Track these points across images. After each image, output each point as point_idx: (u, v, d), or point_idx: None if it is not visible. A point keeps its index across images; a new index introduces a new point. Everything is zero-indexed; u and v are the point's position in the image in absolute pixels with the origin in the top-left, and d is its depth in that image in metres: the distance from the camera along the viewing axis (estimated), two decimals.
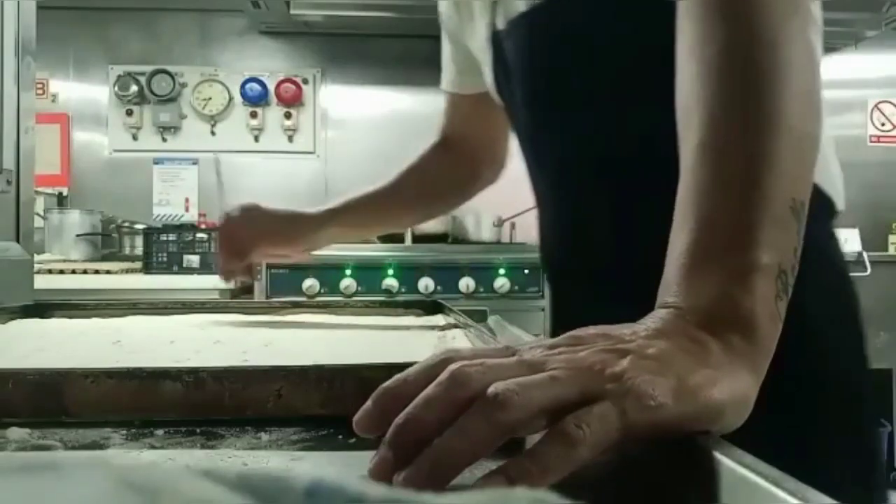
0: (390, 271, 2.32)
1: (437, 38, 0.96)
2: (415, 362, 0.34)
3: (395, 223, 1.05)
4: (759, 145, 0.41)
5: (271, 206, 0.92)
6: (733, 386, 0.34)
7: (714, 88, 0.44)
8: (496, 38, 0.74)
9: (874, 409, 0.65)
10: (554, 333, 0.77)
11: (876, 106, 3.25)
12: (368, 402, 0.32)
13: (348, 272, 2.29)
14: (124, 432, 0.39)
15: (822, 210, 0.63)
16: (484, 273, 2.31)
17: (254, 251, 0.90)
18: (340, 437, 0.38)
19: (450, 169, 0.99)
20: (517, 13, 0.69)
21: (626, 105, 0.67)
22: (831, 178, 0.65)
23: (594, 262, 0.73)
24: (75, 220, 2.60)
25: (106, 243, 2.70)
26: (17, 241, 1.13)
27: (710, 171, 0.42)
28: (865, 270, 2.55)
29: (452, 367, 0.31)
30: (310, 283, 2.28)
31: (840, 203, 0.66)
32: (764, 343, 0.37)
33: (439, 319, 0.83)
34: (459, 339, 0.65)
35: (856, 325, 0.66)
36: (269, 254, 0.95)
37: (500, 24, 0.73)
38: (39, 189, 2.53)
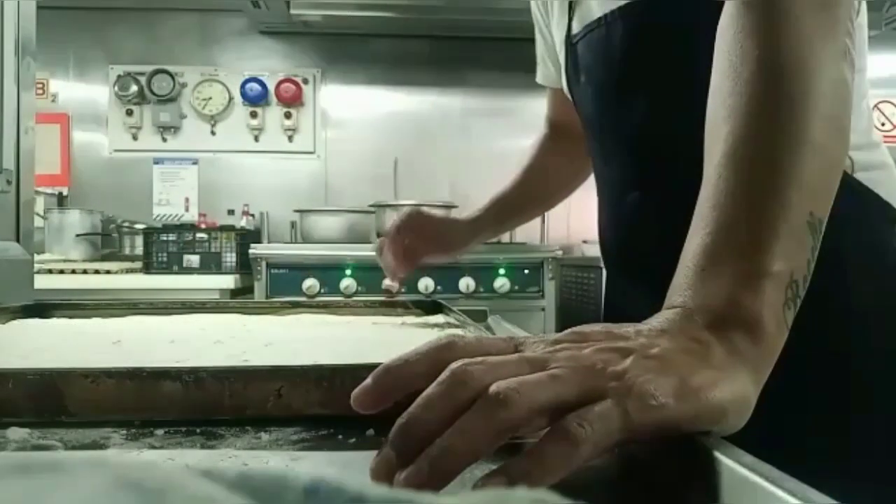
0: None
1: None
2: None
3: (527, 218, 1.16)
4: (782, 159, 0.41)
5: (431, 212, 1.01)
6: (734, 387, 0.34)
7: (745, 106, 0.44)
8: (569, 41, 0.80)
9: None
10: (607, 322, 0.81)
11: (876, 106, 3.25)
12: (368, 380, 0.33)
13: (348, 272, 2.29)
14: (124, 432, 0.39)
15: (880, 214, 0.66)
16: (484, 273, 2.31)
17: (419, 257, 0.96)
18: (340, 437, 0.38)
19: (566, 159, 1.06)
20: (593, 18, 0.75)
21: (695, 104, 0.69)
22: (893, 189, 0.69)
23: (645, 257, 0.75)
24: (75, 219, 2.60)
25: (106, 243, 2.70)
26: (17, 241, 1.12)
27: (730, 179, 0.42)
28: None
29: (454, 365, 0.31)
30: (310, 283, 2.28)
31: None
32: (768, 347, 0.37)
33: (439, 319, 0.83)
34: None
35: None
36: (427, 257, 1.01)
37: (576, 28, 0.79)
38: (39, 189, 2.53)
